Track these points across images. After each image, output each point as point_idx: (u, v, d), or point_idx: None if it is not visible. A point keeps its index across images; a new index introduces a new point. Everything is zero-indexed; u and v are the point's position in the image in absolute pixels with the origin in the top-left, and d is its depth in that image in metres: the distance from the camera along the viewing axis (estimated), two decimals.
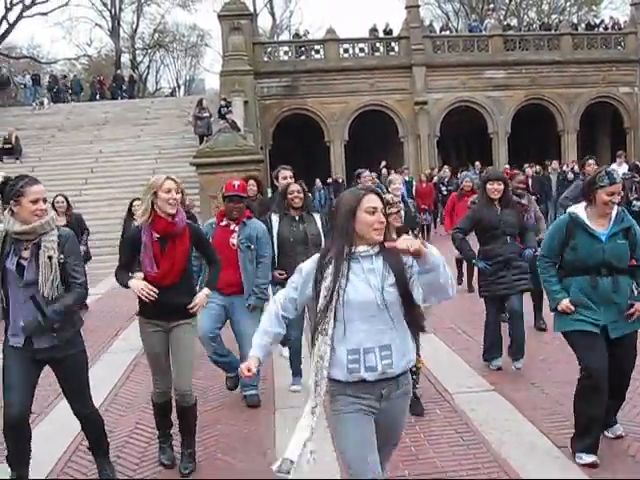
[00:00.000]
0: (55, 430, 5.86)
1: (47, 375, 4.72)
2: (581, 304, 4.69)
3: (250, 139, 21.69)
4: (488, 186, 6.91)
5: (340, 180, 26.47)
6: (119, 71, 41.35)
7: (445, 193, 20.40)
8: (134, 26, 54.43)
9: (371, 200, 3.25)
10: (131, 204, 10.05)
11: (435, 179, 21.25)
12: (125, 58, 55.49)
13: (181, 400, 4.92)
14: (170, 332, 4.87)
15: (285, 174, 7.69)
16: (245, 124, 23.99)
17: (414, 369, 5.39)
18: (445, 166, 24.95)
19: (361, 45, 30.31)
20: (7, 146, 24.35)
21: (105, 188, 21.33)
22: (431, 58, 29.98)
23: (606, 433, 4.95)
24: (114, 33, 52.03)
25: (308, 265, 3.35)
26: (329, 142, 29.86)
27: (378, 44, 30.53)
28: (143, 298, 4.67)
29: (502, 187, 6.87)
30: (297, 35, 33.57)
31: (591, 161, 11.04)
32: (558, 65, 30.65)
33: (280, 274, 6.37)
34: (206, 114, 23.24)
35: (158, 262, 4.73)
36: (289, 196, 6.63)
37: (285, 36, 48.53)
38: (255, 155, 15.77)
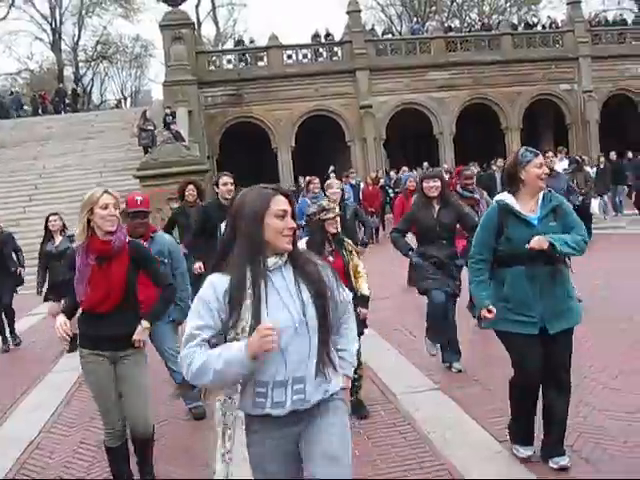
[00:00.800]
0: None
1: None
2: (516, 299, 4.41)
3: (195, 149, 21.56)
4: (424, 184, 6.81)
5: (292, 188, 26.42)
6: (61, 85, 40.69)
7: (392, 195, 20.53)
8: (75, 38, 53.65)
9: (280, 202, 2.78)
10: (47, 220, 9.27)
11: (382, 182, 21.38)
12: (68, 71, 54.73)
13: (142, 433, 4.52)
14: (117, 364, 4.43)
15: (225, 180, 7.67)
16: (190, 134, 23.83)
17: (356, 376, 5.43)
18: (389, 170, 25.12)
19: (304, 51, 30.39)
20: None
21: (50, 204, 20.92)
22: (374, 62, 30.17)
23: (550, 463, 4.51)
24: (55, 46, 51.28)
25: (220, 282, 2.77)
26: (276, 149, 29.85)
27: (321, 49, 30.64)
28: (59, 335, 4.28)
29: (439, 184, 6.72)
30: (241, 42, 33.47)
31: (549, 153, 10.96)
32: (500, 64, 31.14)
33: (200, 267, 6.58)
34: (150, 126, 23.01)
35: (94, 287, 4.27)
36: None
37: (229, 45, 48.32)
38: (199, 165, 15.68)
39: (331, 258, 5.47)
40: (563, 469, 4.43)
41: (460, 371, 6.82)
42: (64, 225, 9.35)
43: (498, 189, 20.01)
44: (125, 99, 61.02)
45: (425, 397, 6.22)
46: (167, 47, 28.32)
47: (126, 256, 4.39)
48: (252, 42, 32.79)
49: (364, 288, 5.70)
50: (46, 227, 9.23)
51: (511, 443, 4.80)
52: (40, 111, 35.63)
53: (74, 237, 8.93)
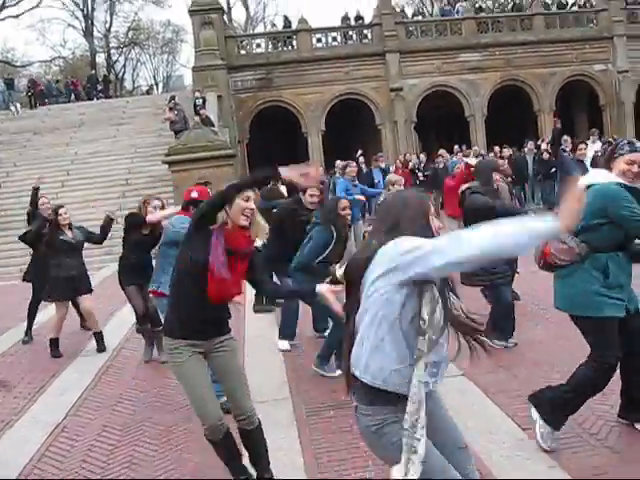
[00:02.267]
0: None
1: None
2: (615, 283, 4.45)
3: (225, 134, 21.60)
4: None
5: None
6: (94, 71, 41.04)
7: (422, 179, 20.36)
8: (107, 25, 54.13)
9: None
10: (56, 213, 8.55)
11: (410, 165, 21.19)
12: (100, 58, 55.24)
13: (247, 423, 4.32)
14: (212, 354, 4.26)
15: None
16: (220, 119, 23.90)
17: None
18: (419, 153, 24.88)
19: (334, 34, 30.22)
20: None
21: (82, 190, 21.23)
22: (404, 44, 29.90)
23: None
24: (87, 33, 51.71)
25: None
26: (306, 133, 29.78)
27: (351, 32, 30.43)
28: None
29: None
30: (274, 25, 33.33)
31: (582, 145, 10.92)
32: (532, 45, 30.66)
33: None
34: (180, 111, 23.12)
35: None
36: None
37: (260, 29, 48.37)
38: (227, 150, 15.70)
39: None
40: None
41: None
42: None
43: (530, 172, 19.89)
44: (157, 85, 61.43)
45: (449, 383, 6.13)
46: (196, 32, 28.37)
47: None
48: (287, 24, 32.33)
49: None
50: (55, 220, 8.54)
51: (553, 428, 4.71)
52: (73, 98, 35.95)
53: (82, 227, 8.85)
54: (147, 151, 24.04)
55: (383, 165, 20.11)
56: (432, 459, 2.92)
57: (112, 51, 56.39)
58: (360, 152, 23.37)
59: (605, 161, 4.61)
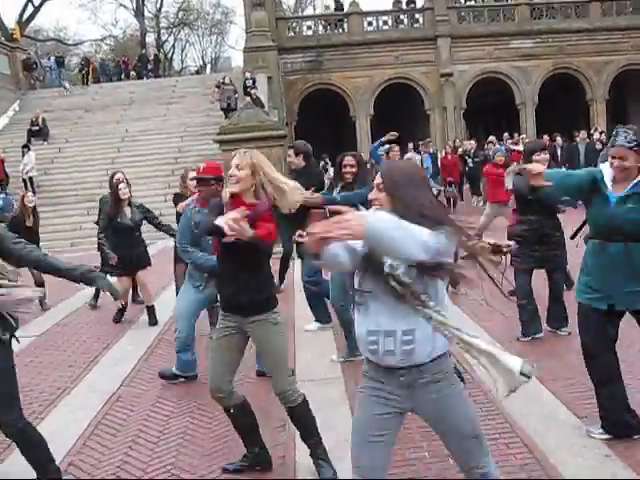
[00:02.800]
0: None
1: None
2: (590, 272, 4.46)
3: (274, 115, 21.61)
4: (535, 157, 6.66)
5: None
6: (144, 51, 41.42)
7: (471, 165, 20.20)
8: (158, 5, 54.53)
9: None
10: (117, 188, 8.47)
11: (460, 151, 21.03)
12: (150, 38, 55.73)
13: (285, 401, 4.39)
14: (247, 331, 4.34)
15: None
16: (269, 100, 23.95)
17: None
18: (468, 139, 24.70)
19: (385, 18, 30.07)
20: (35, 128, 24.58)
21: (132, 167, 21.41)
22: (456, 29, 29.62)
23: None
24: (138, 13, 52.16)
25: None
26: (355, 117, 29.72)
27: (402, 16, 30.26)
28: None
29: (547, 157, 6.80)
30: (327, 7, 33.18)
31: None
32: (586, 33, 30.14)
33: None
34: (230, 90, 23.26)
35: None
36: (342, 169, 6.65)
37: (309, 11, 48.18)
38: (277, 131, 15.66)
39: None
40: None
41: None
42: None
43: (582, 162, 19.58)
44: (205, 66, 61.65)
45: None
46: (248, 13, 28.42)
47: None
48: (339, 7, 32.02)
49: None
50: (116, 197, 8.42)
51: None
52: (123, 76, 36.34)
53: (142, 206, 8.80)
54: (196, 130, 24.21)
55: (432, 150, 19.98)
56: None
57: (162, 31, 56.88)
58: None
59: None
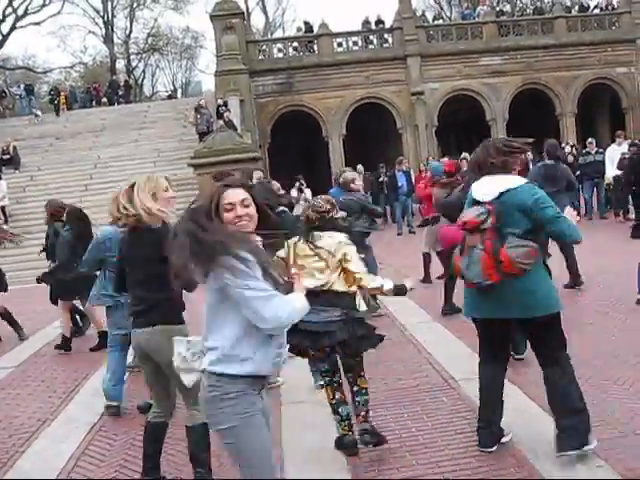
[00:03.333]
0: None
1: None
2: None
3: (248, 137, 21.66)
4: None
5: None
6: (114, 77, 41.32)
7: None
8: (127, 31, 54.53)
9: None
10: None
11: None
12: (120, 64, 55.57)
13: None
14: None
15: (258, 175, 7.70)
16: (242, 123, 23.97)
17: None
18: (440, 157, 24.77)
19: (354, 38, 30.21)
20: (6, 157, 24.40)
21: (105, 194, 21.26)
22: (425, 48, 29.87)
23: None
24: (108, 39, 52.12)
25: None
26: (327, 137, 29.78)
27: (371, 37, 30.44)
28: None
29: None
30: (299, 30, 33.21)
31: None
32: (553, 49, 30.55)
33: None
34: (206, 113, 23.27)
35: None
36: None
37: (279, 34, 48.50)
38: (252, 153, 15.73)
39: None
40: None
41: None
42: None
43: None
44: (176, 91, 61.63)
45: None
46: (218, 37, 28.51)
47: None
48: (309, 29, 32.13)
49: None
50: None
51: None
52: (94, 103, 36.19)
53: None
54: (170, 155, 24.16)
55: (405, 168, 20.08)
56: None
57: (132, 57, 56.84)
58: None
59: None
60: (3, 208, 20.28)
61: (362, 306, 5.00)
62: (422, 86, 29.46)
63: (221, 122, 20.37)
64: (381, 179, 21.48)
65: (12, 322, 10.09)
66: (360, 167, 21.36)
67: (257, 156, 16.25)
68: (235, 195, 3.06)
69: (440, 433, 5.14)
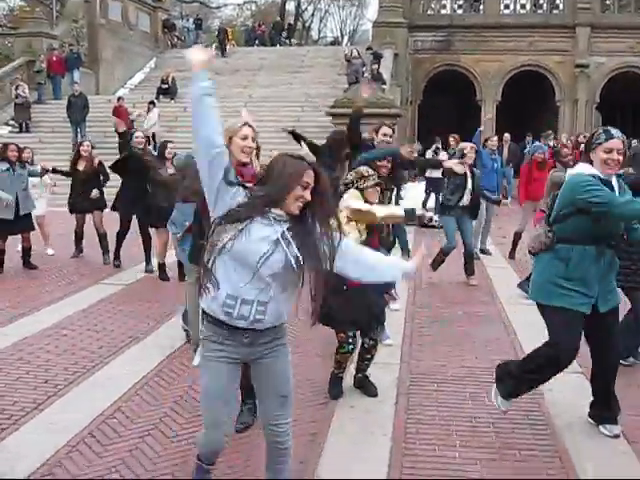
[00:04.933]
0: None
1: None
2: (578, 277, 4.44)
3: (396, 93, 21.42)
4: None
5: None
6: (280, 18, 41.91)
7: None
8: None
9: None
10: (164, 147, 9.61)
11: (582, 147, 20.11)
12: (290, 5, 56.22)
13: None
14: None
15: (386, 131, 7.60)
16: (393, 77, 23.72)
17: (369, 356, 5.45)
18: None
19: (523, 1, 28.92)
20: (164, 86, 25.45)
21: None
22: (598, 18, 28.07)
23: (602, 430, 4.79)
24: None
25: None
26: (481, 101, 28.98)
27: (541, 1, 29.03)
28: None
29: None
30: None
31: None
32: None
33: None
34: (358, 61, 23.19)
35: None
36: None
37: None
38: (391, 109, 15.54)
39: (363, 236, 5.15)
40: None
41: None
42: None
43: None
44: (342, 37, 61.72)
45: (563, 379, 5.83)
46: None
47: None
48: None
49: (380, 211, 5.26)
50: (162, 153, 9.45)
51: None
52: (257, 42, 36.94)
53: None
54: (318, 101, 24.30)
55: (551, 143, 19.27)
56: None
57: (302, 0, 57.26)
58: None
59: (585, 153, 4.47)
60: (154, 135, 21.18)
61: None
62: (588, 59, 27.85)
63: (367, 74, 20.23)
64: (526, 150, 20.71)
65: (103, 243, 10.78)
66: (507, 135, 20.78)
67: (397, 113, 16.04)
68: None
69: (494, 418, 5.03)
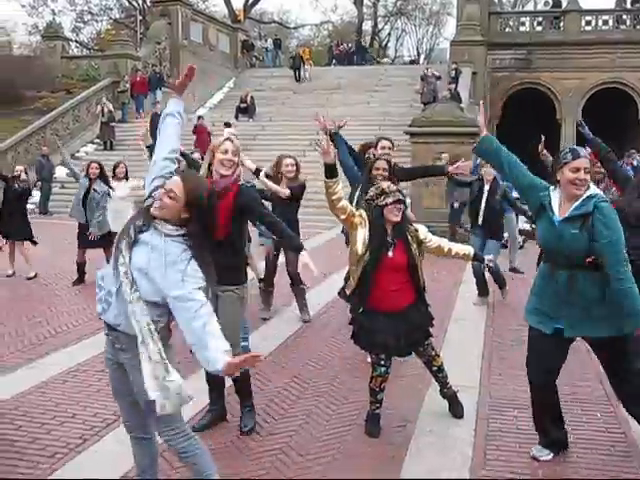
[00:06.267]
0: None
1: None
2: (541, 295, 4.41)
3: (474, 111, 21.15)
4: None
5: None
6: (359, 38, 42.19)
7: None
8: None
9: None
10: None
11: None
12: (367, 25, 56.48)
13: None
14: (218, 298, 4.61)
15: (384, 144, 7.39)
16: (471, 96, 23.54)
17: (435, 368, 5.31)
18: None
19: (605, 17, 28.27)
20: (243, 105, 25.89)
21: None
22: None
23: None
24: (357, 1, 53.08)
25: None
26: (561, 120, 28.45)
27: (625, 16, 28.32)
28: None
29: None
30: (546, 4, 31.76)
31: None
32: None
33: None
34: (433, 80, 23.13)
35: None
36: (373, 172, 6.50)
37: (530, 7, 46.65)
38: (471, 127, 15.38)
39: (390, 253, 4.87)
40: None
41: None
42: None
43: None
44: (419, 55, 61.63)
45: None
46: (460, 5, 28.08)
47: (232, 196, 4.76)
48: (555, 3, 30.59)
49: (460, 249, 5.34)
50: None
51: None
52: (334, 61, 37.26)
53: None
54: (395, 120, 24.28)
55: (635, 163, 18.75)
56: None
57: (379, 19, 57.50)
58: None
59: (552, 174, 4.27)
60: None
61: None
62: None
63: (446, 93, 20.12)
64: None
65: None
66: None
67: (476, 132, 15.80)
68: None
69: (579, 448, 4.89)
